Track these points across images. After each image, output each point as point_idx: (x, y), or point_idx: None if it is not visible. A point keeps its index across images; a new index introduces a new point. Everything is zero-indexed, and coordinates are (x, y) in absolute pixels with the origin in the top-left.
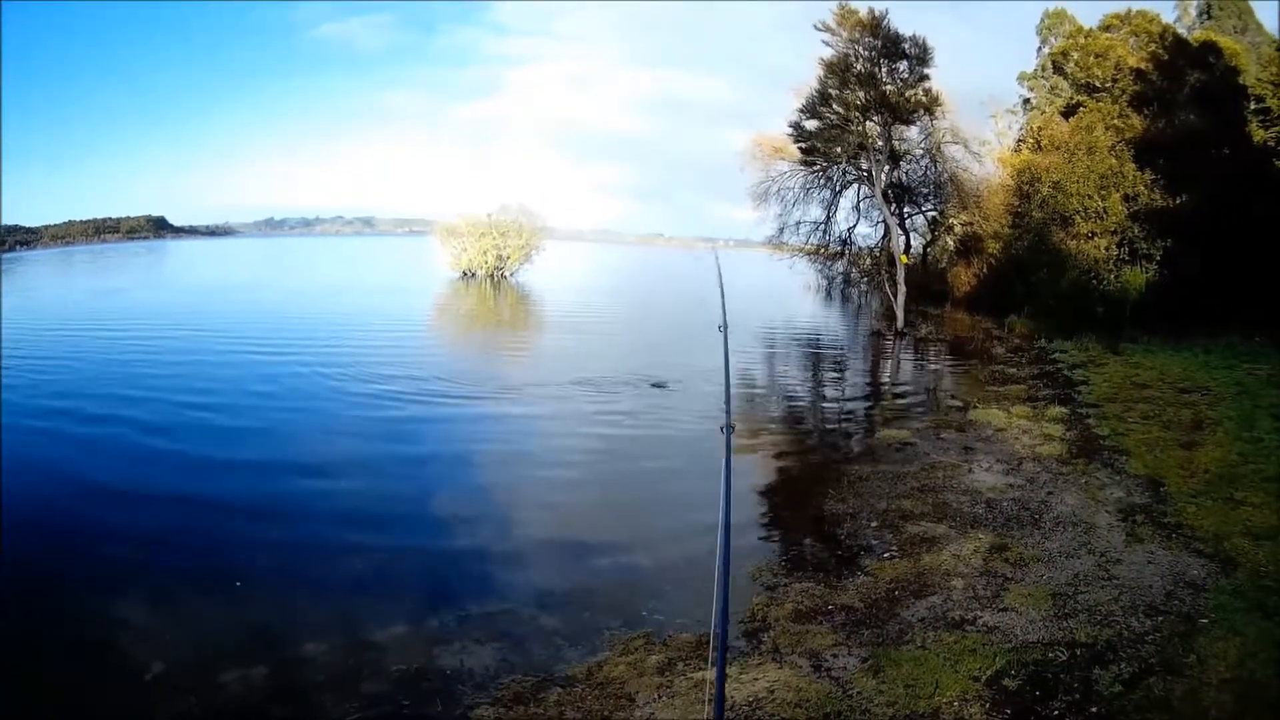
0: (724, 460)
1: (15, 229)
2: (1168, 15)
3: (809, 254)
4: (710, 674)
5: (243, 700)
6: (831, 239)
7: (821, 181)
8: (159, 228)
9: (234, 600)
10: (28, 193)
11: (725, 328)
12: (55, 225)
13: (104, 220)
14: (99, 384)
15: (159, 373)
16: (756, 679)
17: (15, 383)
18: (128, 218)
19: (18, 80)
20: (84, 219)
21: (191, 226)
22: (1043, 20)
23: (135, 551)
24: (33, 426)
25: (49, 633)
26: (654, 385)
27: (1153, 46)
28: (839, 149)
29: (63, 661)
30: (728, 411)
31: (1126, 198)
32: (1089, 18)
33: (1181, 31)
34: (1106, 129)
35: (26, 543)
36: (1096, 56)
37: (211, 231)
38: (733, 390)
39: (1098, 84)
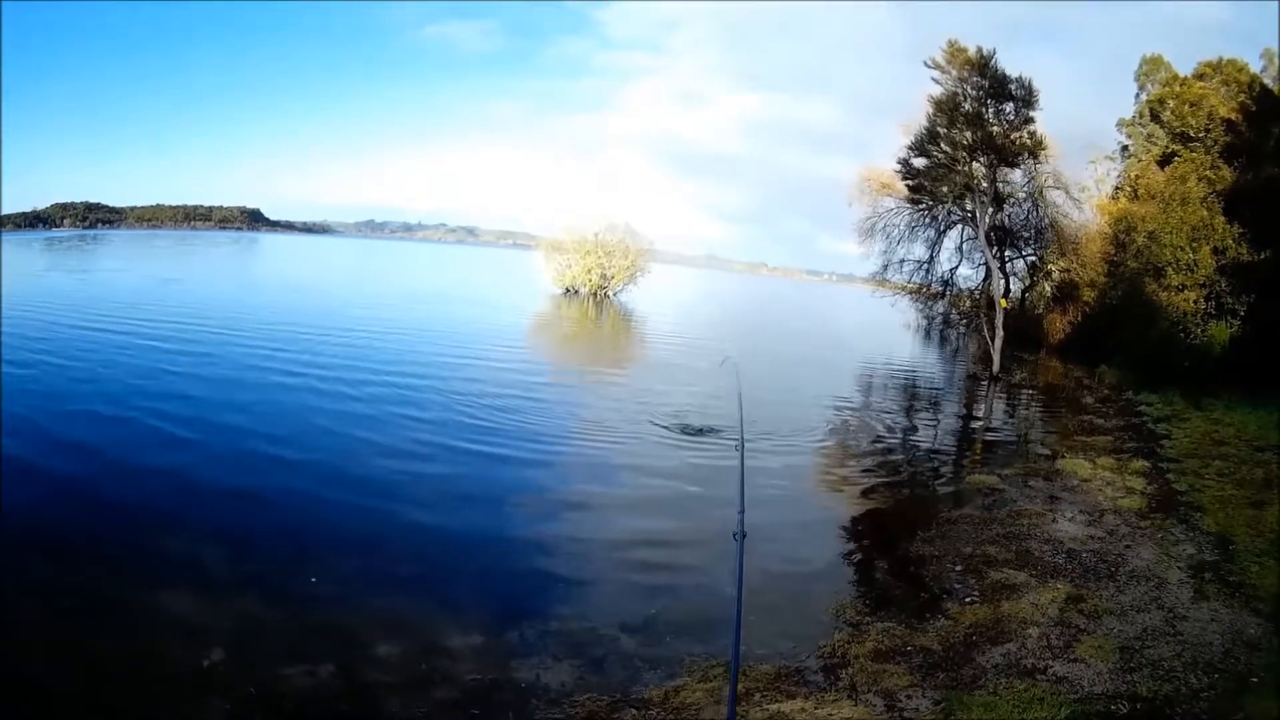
0: (737, 569)
1: (98, 207)
2: (1255, 65)
3: (910, 292)
4: (786, 705)
5: (306, 694)
6: (934, 279)
7: (927, 220)
8: (253, 220)
9: (307, 596)
10: (119, 173)
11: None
12: (142, 207)
13: (195, 207)
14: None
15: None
16: (831, 714)
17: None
18: (220, 206)
19: (127, 66)
20: (174, 204)
21: (288, 222)
22: (1140, 66)
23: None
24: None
25: (102, 615)
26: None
27: (1242, 97)
28: (945, 188)
29: (117, 643)
30: (741, 511)
31: (1216, 250)
32: (1184, 64)
33: (1268, 82)
34: (1199, 180)
35: (64, 514)
36: (1191, 105)
37: (308, 228)
38: (826, 427)
39: (1191, 134)
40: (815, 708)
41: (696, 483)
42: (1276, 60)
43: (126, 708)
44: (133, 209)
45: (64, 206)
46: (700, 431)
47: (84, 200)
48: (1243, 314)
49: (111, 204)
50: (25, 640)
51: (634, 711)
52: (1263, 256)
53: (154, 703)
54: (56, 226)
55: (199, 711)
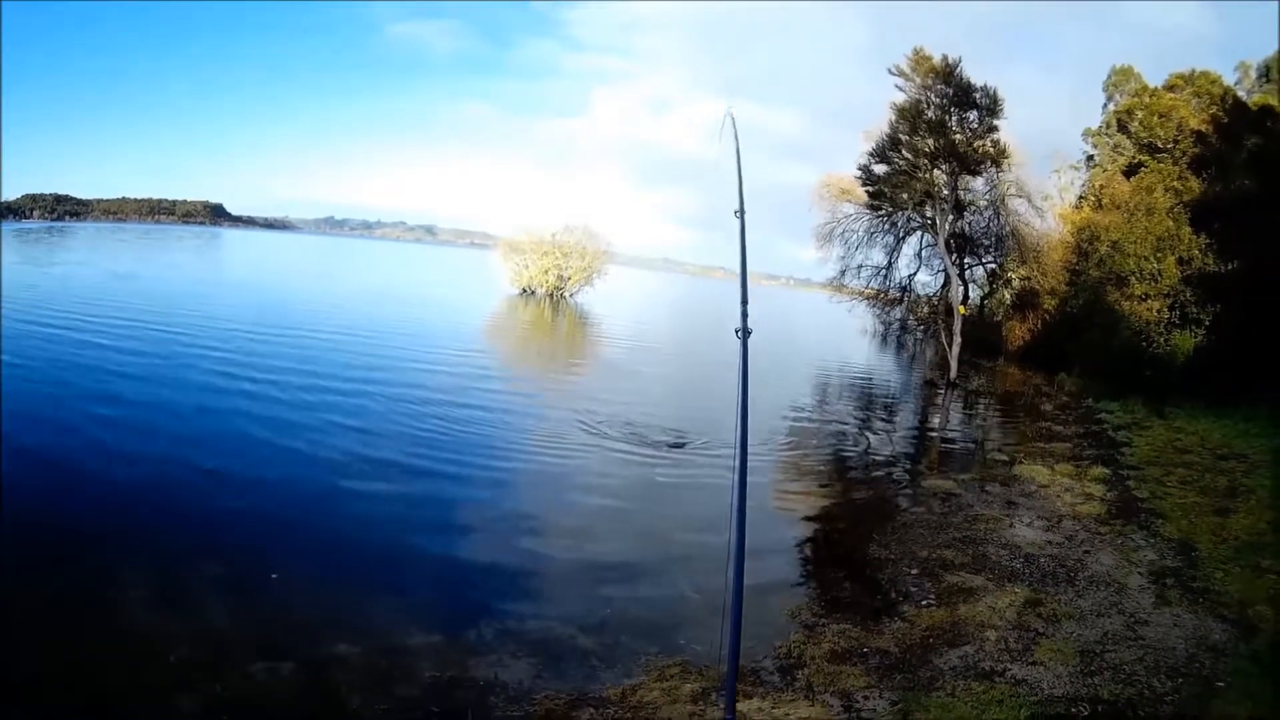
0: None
1: (65, 199)
2: (1229, 77)
3: (868, 298)
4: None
5: (269, 692)
6: (892, 285)
7: (886, 227)
8: (216, 215)
9: (269, 594)
10: (86, 165)
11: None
12: (108, 200)
13: (159, 201)
14: None
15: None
16: (788, 714)
17: None
18: (184, 201)
19: (90, 62)
20: (139, 197)
21: (250, 217)
22: (1109, 76)
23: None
24: None
25: (68, 613)
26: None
27: (1213, 109)
28: (905, 195)
29: (84, 641)
30: (744, 310)
31: (1181, 260)
32: (1155, 76)
33: (1241, 94)
34: (1166, 190)
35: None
36: (1159, 116)
37: (269, 224)
38: (782, 433)
39: (1159, 144)
40: (773, 707)
41: (644, 492)
42: (1251, 72)
43: (95, 707)
44: (99, 201)
45: (34, 198)
46: (641, 438)
47: (53, 192)
48: (1207, 324)
49: (79, 195)
50: None
51: (592, 710)
52: (1230, 267)
53: (122, 701)
54: (26, 217)
55: (168, 709)
